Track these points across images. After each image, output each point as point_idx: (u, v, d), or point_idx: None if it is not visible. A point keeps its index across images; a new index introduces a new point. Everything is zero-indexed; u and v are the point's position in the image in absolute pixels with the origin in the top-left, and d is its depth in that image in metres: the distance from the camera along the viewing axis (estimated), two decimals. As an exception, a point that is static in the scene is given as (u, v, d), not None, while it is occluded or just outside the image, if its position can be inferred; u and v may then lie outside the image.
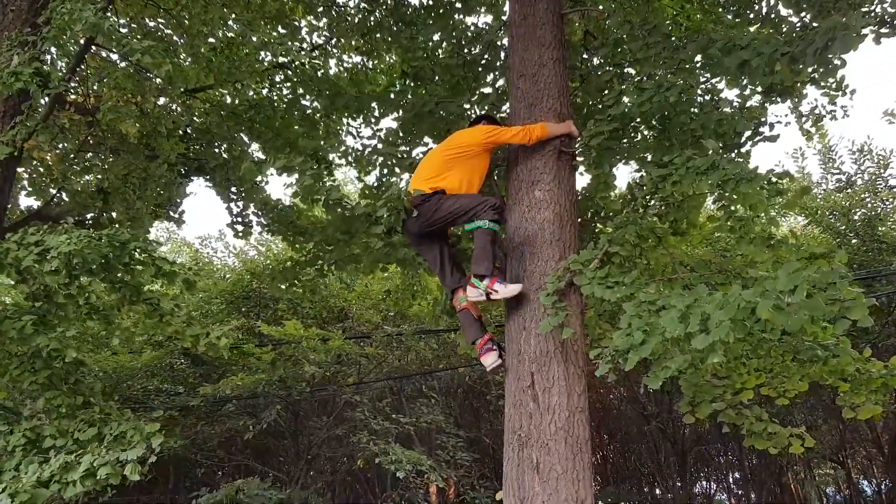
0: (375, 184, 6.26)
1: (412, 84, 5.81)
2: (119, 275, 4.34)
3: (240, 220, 7.35)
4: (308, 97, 6.56)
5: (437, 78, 5.79)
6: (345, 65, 7.67)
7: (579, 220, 6.07)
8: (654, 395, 14.27)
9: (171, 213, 7.29)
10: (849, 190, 12.02)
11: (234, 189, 6.95)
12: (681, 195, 4.62)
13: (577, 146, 4.83)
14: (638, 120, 5.06)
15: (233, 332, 11.70)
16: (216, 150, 6.76)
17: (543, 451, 3.92)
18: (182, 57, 6.53)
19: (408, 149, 6.37)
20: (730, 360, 4.79)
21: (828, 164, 12.52)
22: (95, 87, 6.16)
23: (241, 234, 7.42)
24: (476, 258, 4.14)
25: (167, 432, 11.22)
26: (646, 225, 4.63)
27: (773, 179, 4.69)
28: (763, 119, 5.79)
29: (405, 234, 4.68)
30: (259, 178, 6.75)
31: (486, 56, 5.93)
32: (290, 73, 6.92)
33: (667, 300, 3.41)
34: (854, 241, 11.62)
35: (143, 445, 3.91)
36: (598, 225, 5.89)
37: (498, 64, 5.90)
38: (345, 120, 6.87)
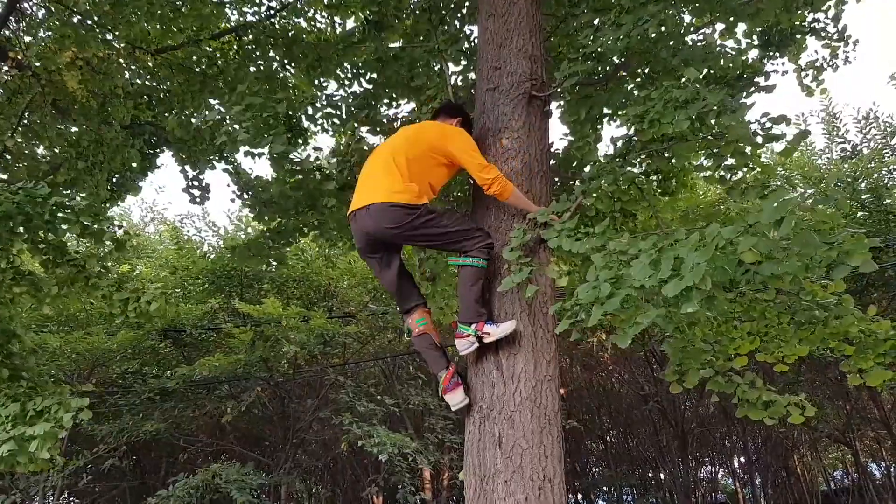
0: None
1: (375, 32, 5.35)
2: (42, 234, 3.92)
3: (196, 184, 6.93)
4: (267, 53, 6.07)
5: (400, 23, 5.33)
6: (317, 24, 7.22)
7: (558, 179, 5.64)
8: (654, 376, 13.87)
9: (132, 184, 6.83)
10: (854, 159, 11.52)
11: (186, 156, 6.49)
12: (664, 140, 4.16)
13: (549, 90, 4.37)
14: (617, 60, 4.62)
15: (209, 311, 11.40)
16: (175, 114, 6.30)
17: (507, 425, 3.49)
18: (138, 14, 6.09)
19: (382, 110, 5.96)
20: (720, 322, 4.35)
21: (832, 133, 12.01)
22: (32, 40, 5.72)
23: (197, 200, 7.00)
24: (465, 303, 3.54)
25: (144, 417, 10.98)
26: (626, 175, 4.19)
27: (767, 123, 4.26)
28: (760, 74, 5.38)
29: (355, 237, 3.88)
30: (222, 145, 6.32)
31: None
32: (255, 31, 6.45)
33: (639, 247, 2.97)
34: (860, 212, 11.14)
35: (55, 421, 3.50)
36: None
37: (465, 6, 5.44)
38: (315, 82, 6.43)
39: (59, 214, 3.78)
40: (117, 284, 4.42)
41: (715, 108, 3.28)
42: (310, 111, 6.47)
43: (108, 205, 8.03)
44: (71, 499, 16.24)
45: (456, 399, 3.62)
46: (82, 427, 11.39)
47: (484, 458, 3.47)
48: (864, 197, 10.98)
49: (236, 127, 4.08)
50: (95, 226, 3.95)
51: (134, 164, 6.12)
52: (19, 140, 5.78)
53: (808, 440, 16.05)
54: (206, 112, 6.17)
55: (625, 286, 2.89)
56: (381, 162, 3.80)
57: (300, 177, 4.56)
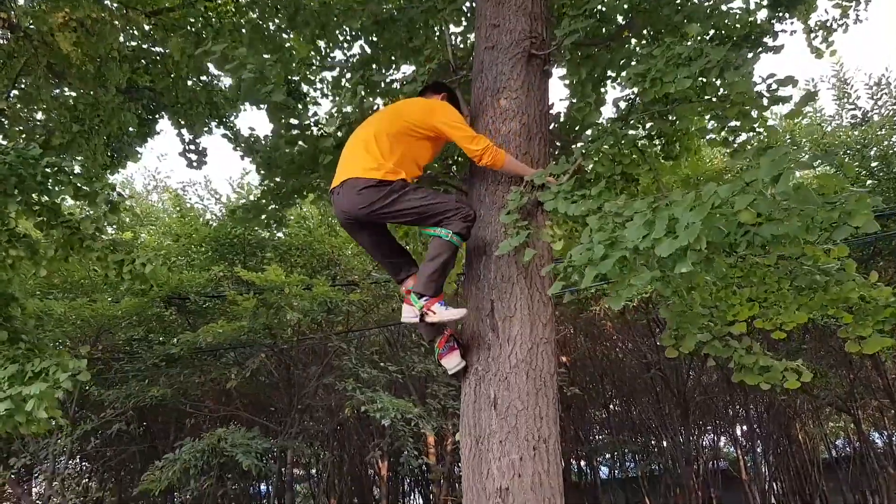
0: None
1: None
2: (35, 195, 3.90)
3: (193, 148, 6.88)
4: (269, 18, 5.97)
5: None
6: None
7: (558, 144, 5.57)
8: (656, 345, 13.88)
9: (132, 150, 6.79)
10: (864, 126, 11.34)
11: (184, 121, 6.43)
12: (667, 102, 4.08)
13: (550, 48, 4.28)
14: (621, 20, 4.52)
15: (212, 279, 11.43)
16: (171, 78, 6.23)
17: (502, 386, 3.49)
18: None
19: (383, 73, 5.87)
20: (719, 287, 4.31)
21: (842, 99, 11.81)
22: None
23: (194, 165, 6.96)
24: (424, 273, 3.41)
25: (150, 383, 11.08)
26: (627, 137, 4.12)
27: (773, 85, 4.18)
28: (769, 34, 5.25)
29: (336, 215, 3.75)
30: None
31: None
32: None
33: (634, 208, 2.91)
34: (869, 181, 10.99)
35: (53, 381, 3.50)
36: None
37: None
38: (314, 46, 6.33)
39: (52, 176, 3.74)
40: (112, 246, 4.40)
41: (718, 63, 3.19)
42: (309, 76, 6.41)
43: (108, 171, 8.02)
44: (83, 463, 16.54)
45: (452, 363, 3.60)
46: (90, 392, 11.54)
47: (479, 419, 3.47)
48: (873, 164, 10.84)
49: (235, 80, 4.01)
50: (88, 188, 3.90)
51: (131, 129, 6.06)
52: (17, 104, 5.72)
53: (811, 409, 16.09)
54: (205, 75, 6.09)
55: (619, 248, 2.85)
56: (361, 140, 3.71)
57: (297, 131, 4.50)
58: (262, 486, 18.58)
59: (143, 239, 13.60)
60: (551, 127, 4.82)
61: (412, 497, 20.75)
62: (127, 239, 11.80)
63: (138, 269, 4.32)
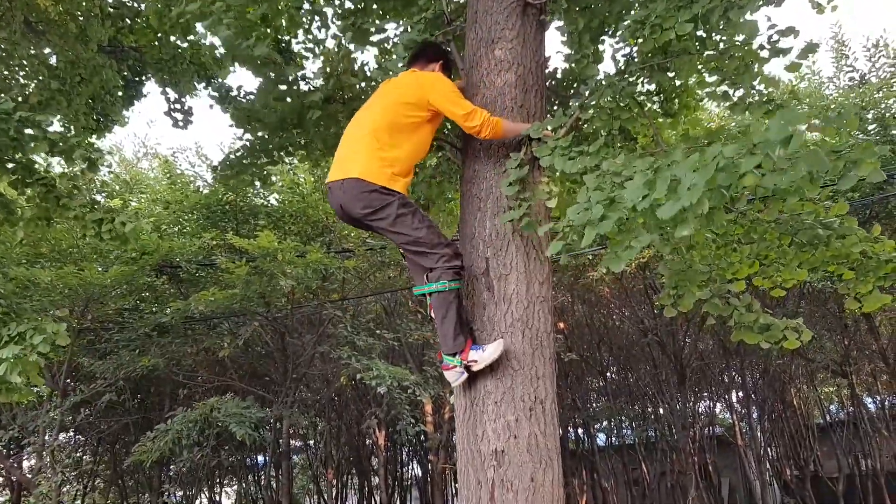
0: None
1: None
2: (10, 153, 3.74)
3: (178, 107, 6.70)
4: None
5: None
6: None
7: (555, 100, 5.42)
8: (653, 311, 13.85)
9: (116, 112, 6.59)
10: (861, 88, 11.17)
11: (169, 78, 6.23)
12: (666, 53, 3.93)
13: (545, -2, 4.11)
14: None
15: (204, 247, 11.28)
16: (154, 34, 6.01)
17: (497, 346, 3.39)
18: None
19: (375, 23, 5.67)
20: (719, 245, 4.21)
21: (840, 61, 11.62)
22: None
23: (180, 124, 6.78)
24: (446, 334, 3.26)
25: (140, 353, 10.98)
26: (626, 90, 3.97)
27: (774, 36, 4.04)
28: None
29: (332, 206, 3.63)
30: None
31: None
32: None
33: (634, 168, 2.79)
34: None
35: (27, 345, 3.39)
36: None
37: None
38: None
39: (26, 131, 3.59)
40: (90, 205, 4.25)
41: (722, 3, 3.04)
42: (300, 36, 6.21)
43: (95, 136, 7.83)
44: (76, 436, 16.54)
45: (454, 376, 3.43)
46: (80, 363, 11.45)
47: (474, 380, 3.38)
48: (870, 127, 10.69)
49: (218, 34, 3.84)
50: (63, 143, 3.74)
51: (119, 92, 5.86)
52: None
53: (805, 373, 16.15)
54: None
55: (618, 208, 2.73)
56: (361, 133, 3.57)
57: (284, 87, 4.35)
58: (259, 458, 18.63)
59: (133, 206, 13.41)
60: (548, 83, 4.68)
61: (410, 466, 20.87)
62: (116, 206, 11.61)
63: (118, 228, 4.18)
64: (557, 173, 3.88)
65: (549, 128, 3.62)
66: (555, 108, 5.01)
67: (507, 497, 3.20)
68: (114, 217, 4.19)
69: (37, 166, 3.98)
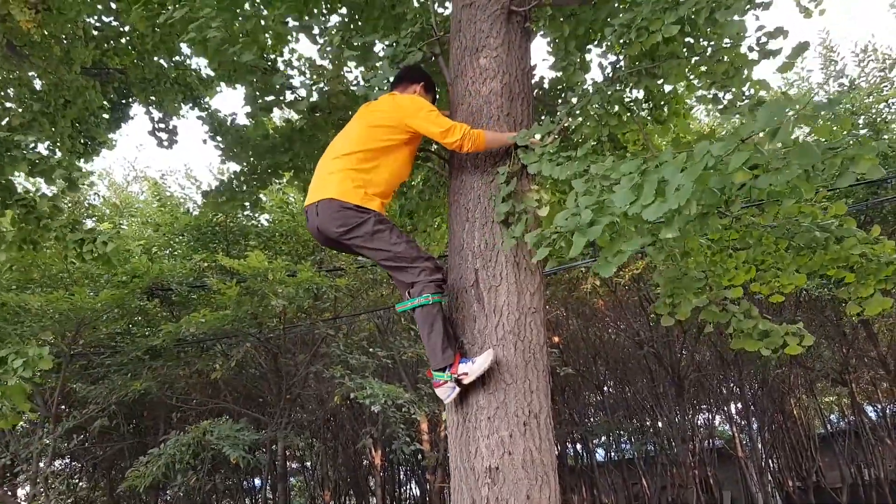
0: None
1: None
2: (-12, 175, 3.65)
3: (162, 126, 6.63)
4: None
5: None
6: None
7: (545, 109, 5.36)
8: (649, 323, 13.75)
9: (101, 133, 6.50)
10: (851, 94, 11.18)
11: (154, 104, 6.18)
12: (654, 58, 3.88)
13: (530, 4, 4.06)
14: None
15: (195, 269, 11.17)
16: (137, 52, 5.94)
17: (489, 360, 3.29)
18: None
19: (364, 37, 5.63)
20: (714, 251, 4.13)
21: (829, 67, 11.64)
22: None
23: (165, 144, 6.71)
24: (434, 349, 3.20)
25: (132, 377, 10.83)
26: (614, 96, 3.91)
27: (763, 38, 4.00)
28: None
29: (312, 232, 3.59)
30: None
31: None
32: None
33: (621, 171, 2.71)
34: (858, 150, 10.80)
35: (13, 370, 3.28)
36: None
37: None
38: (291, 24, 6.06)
39: (4, 151, 3.50)
40: (71, 225, 4.16)
41: (708, 4, 2.97)
42: (286, 55, 6.16)
43: (83, 160, 7.75)
44: (73, 462, 16.30)
45: (444, 392, 3.34)
46: (72, 389, 11.30)
47: (466, 394, 3.28)
48: (861, 132, 10.69)
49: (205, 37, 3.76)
50: (43, 164, 3.66)
51: (98, 109, 5.78)
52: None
53: (805, 383, 16.04)
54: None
55: (607, 213, 2.65)
56: (336, 157, 3.53)
57: (271, 97, 4.28)
58: (256, 481, 18.39)
59: (124, 229, 13.30)
60: (536, 93, 4.62)
61: (408, 486, 20.63)
62: (107, 230, 11.49)
63: (99, 248, 4.08)
64: (548, 183, 3.82)
65: (537, 136, 3.55)
66: (542, 117, 4.94)
67: (503, 516, 3.10)
68: (95, 237, 4.09)
69: (18, 187, 3.89)
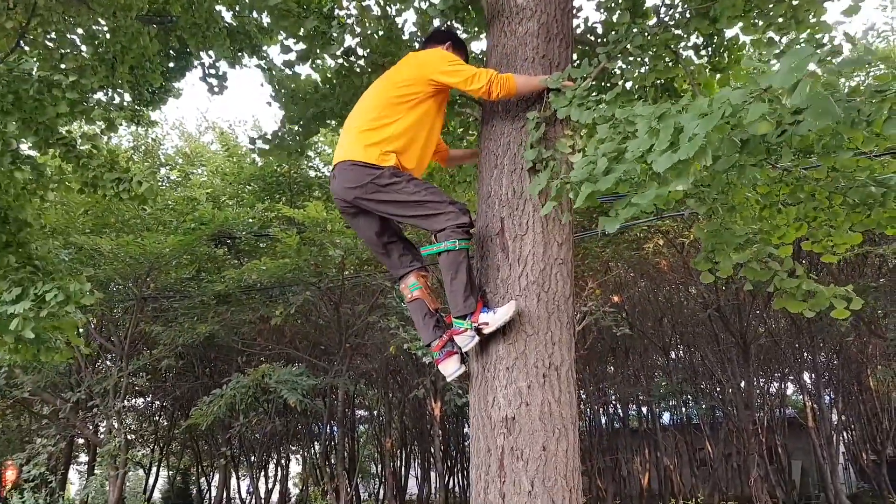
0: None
1: None
2: (33, 113, 3.76)
3: (212, 73, 6.69)
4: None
5: None
6: None
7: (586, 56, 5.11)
8: (715, 285, 13.23)
9: (157, 78, 6.61)
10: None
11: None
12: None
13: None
14: None
15: (259, 217, 11.41)
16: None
17: (511, 309, 3.21)
18: None
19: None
20: (762, 206, 3.87)
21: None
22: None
23: (216, 90, 6.78)
24: (456, 295, 3.14)
25: (198, 320, 11.27)
26: (659, 37, 3.68)
27: (831, -26, 3.67)
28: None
29: (335, 199, 3.48)
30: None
31: None
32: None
33: (639, 113, 2.52)
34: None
35: (55, 303, 3.41)
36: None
37: None
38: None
39: (46, 91, 3.60)
40: (109, 165, 4.27)
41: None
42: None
43: (150, 107, 7.95)
44: (147, 399, 17.26)
45: (450, 368, 3.26)
46: (145, 330, 11.86)
47: (486, 344, 3.22)
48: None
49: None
50: (84, 103, 3.74)
51: (154, 55, 5.88)
52: (36, 28, 5.55)
53: (883, 354, 15.24)
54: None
55: (624, 161, 2.48)
56: (356, 117, 3.46)
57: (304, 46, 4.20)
58: (323, 427, 18.95)
59: (195, 177, 13.70)
60: (578, 31, 4.40)
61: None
62: (176, 177, 11.87)
63: (134, 187, 4.19)
64: (584, 130, 3.65)
65: (572, 78, 3.38)
66: (581, 60, 4.73)
67: (517, 465, 3.05)
68: (131, 177, 4.20)
69: (60, 127, 4.03)
